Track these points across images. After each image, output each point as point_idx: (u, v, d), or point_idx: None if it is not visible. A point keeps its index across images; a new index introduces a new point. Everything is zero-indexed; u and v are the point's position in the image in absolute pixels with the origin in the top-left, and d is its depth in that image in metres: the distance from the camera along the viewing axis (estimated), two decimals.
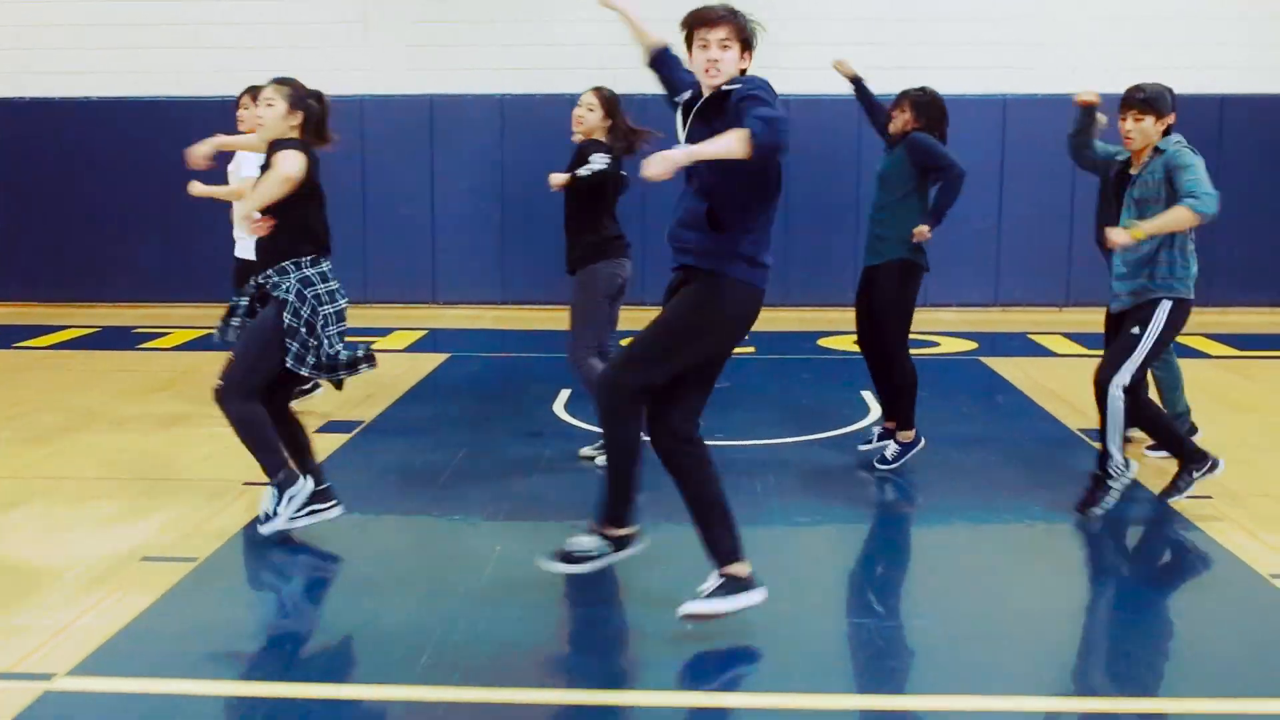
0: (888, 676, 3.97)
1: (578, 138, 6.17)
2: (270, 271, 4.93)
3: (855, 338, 6.42)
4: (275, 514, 4.95)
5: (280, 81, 5.07)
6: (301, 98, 5.02)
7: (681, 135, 4.14)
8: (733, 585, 4.09)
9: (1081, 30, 12.50)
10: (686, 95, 4.24)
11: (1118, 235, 5.15)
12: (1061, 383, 8.55)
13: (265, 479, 5.01)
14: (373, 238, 12.73)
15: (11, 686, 3.72)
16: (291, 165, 4.83)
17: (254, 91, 6.50)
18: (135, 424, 7.29)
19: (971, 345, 10.49)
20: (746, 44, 4.03)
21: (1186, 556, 5.19)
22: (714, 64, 3.96)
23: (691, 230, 4.04)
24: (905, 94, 6.22)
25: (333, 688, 3.83)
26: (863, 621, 4.37)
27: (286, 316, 4.86)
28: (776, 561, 4.71)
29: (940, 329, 11.17)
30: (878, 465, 6.25)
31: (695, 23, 4.01)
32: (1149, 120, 5.31)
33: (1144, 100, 5.32)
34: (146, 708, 3.67)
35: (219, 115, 12.47)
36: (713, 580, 4.10)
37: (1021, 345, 10.62)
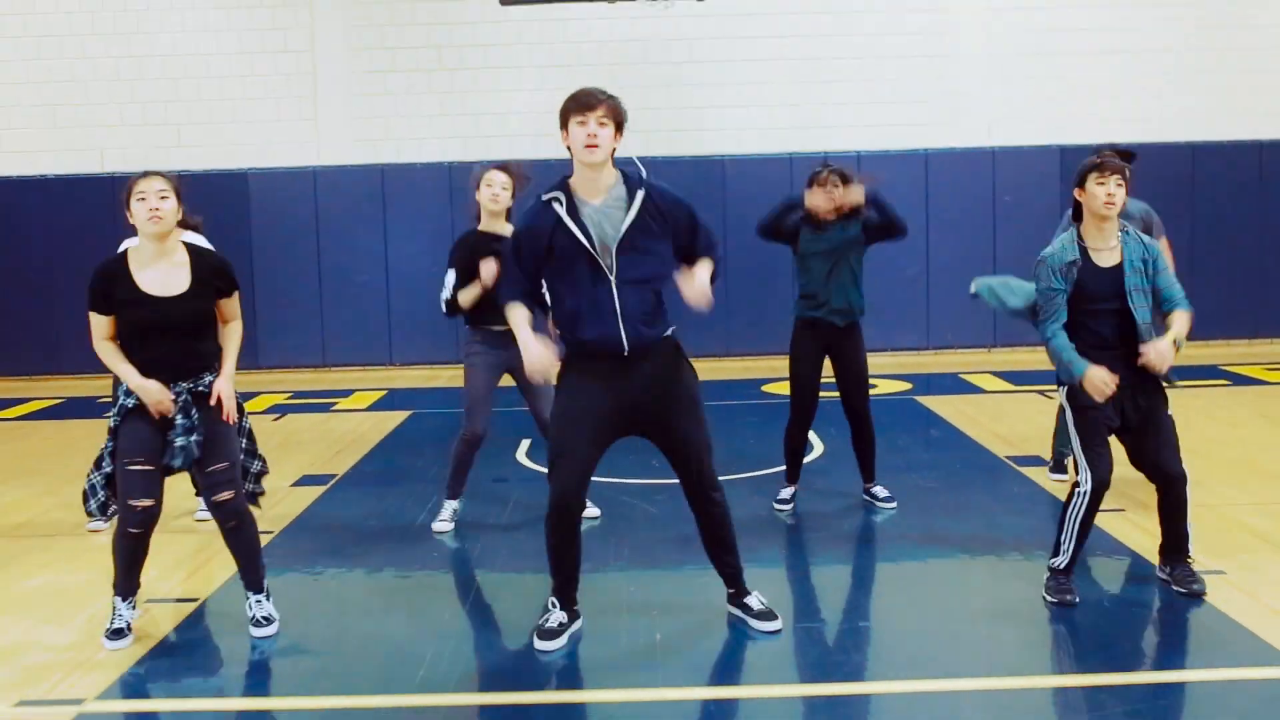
0: (834, 668, 4.46)
1: (496, 211, 6.33)
2: (206, 375, 4.73)
3: (822, 395, 6.52)
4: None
5: (159, 173, 4.82)
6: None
7: (598, 235, 4.39)
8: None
9: (998, 89, 13.32)
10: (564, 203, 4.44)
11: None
12: (990, 416, 9.15)
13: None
14: (329, 303, 13.15)
15: (45, 713, 4.09)
16: None
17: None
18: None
19: (906, 386, 11.10)
20: (620, 125, 4.44)
21: (1095, 556, 5.72)
22: (594, 137, 4.35)
23: (650, 317, 4.45)
24: (838, 170, 6.29)
25: (346, 700, 4.25)
26: (810, 625, 4.87)
27: (242, 420, 4.94)
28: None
29: (877, 372, 11.76)
30: (884, 505, 6.60)
31: (574, 106, 4.40)
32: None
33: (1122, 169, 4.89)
34: None
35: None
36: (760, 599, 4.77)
37: (953, 384, 11.24)
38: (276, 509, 6.69)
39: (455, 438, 6.34)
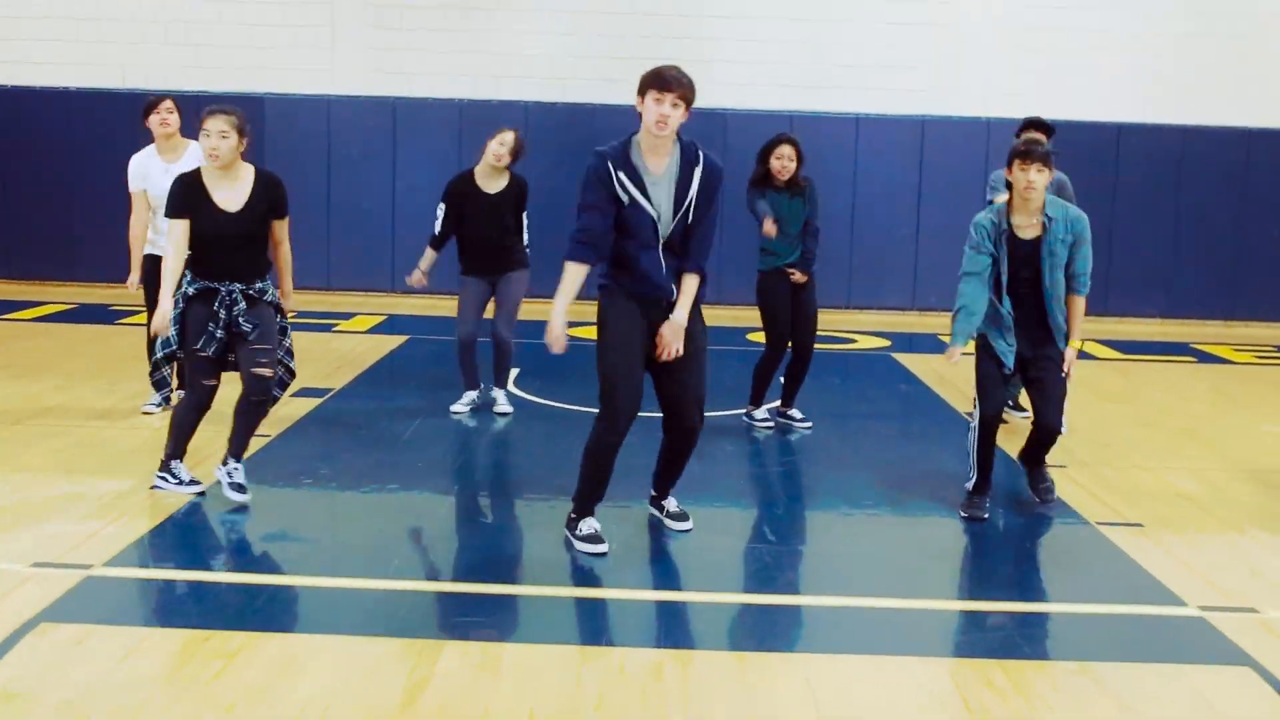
0: (771, 582, 4.94)
1: (497, 168, 7.40)
2: (259, 282, 5.60)
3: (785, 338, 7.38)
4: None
5: (226, 111, 5.43)
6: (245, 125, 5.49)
7: (656, 202, 4.87)
8: None
9: (995, 59, 13.62)
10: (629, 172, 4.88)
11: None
12: (963, 377, 9.57)
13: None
14: (336, 229, 13.56)
15: (57, 574, 4.57)
16: None
17: (158, 103, 7.12)
18: (126, 383, 8.09)
19: (886, 343, 11.53)
20: (689, 107, 4.80)
21: (1034, 508, 6.19)
22: (665, 118, 4.74)
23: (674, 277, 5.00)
24: (793, 141, 7.26)
25: (326, 579, 4.74)
26: (758, 545, 5.37)
27: (282, 319, 5.72)
28: (709, 498, 5.69)
29: (858, 328, 12.21)
30: (800, 425, 7.55)
31: (655, 83, 4.77)
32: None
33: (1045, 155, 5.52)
34: (170, 591, 4.56)
35: (190, 109, 13.27)
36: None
37: (933, 344, 11.65)
38: (274, 414, 7.13)
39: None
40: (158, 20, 13.66)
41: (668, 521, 5.41)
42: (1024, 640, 4.34)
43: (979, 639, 4.45)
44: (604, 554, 5.01)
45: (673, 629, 4.42)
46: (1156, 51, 13.63)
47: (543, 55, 13.57)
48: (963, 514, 5.80)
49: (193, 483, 5.67)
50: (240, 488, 5.51)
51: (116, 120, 13.42)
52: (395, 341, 10.46)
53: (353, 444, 6.87)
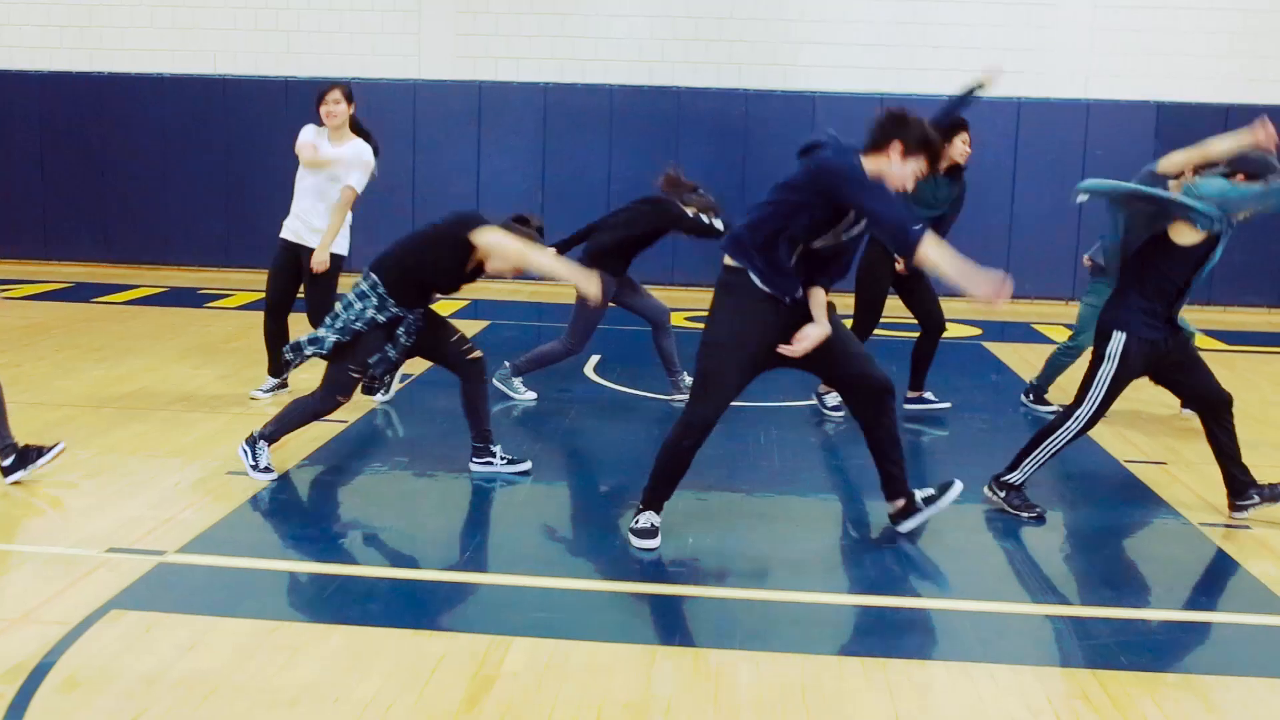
0: (853, 581, 4.75)
1: None
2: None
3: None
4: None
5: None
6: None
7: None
8: None
9: (1096, 41, 13.14)
10: None
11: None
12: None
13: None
14: (421, 213, 13.54)
15: (130, 560, 4.56)
16: None
17: (325, 93, 7.11)
18: (212, 367, 8.15)
19: (976, 331, 11.19)
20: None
21: (1136, 508, 5.90)
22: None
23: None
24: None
25: (396, 570, 4.67)
26: (838, 542, 5.18)
27: None
28: (791, 490, 5.51)
29: (952, 317, 11.85)
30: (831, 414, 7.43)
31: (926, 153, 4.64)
32: None
33: None
34: (240, 579, 4.52)
35: (280, 94, 13.42)
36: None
37: (1024, 333, 11.30)
38: (354, 400, 7.14)
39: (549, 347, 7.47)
40: (249, 6, 13.78)
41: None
42: (1121, 649, 4.09)
43: (1074, 647, 4.20)
44: (653, 550, 4.85)
45: (747, 629, 4.23)
46: (1269, 29, 13.04)
47: (630, 37, 13.41)
48: (1031, 514, 5.47)
49: (267, 470, 5.64)
50: (513, 460, 5.91)
51: (208, 105, 13.63)
52: (476, 327, 10.41)
53: (430, 431, 6.82)
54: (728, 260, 4.79)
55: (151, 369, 8.10)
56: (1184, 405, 7.41)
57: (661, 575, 4.71)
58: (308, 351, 5.65)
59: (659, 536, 4.90)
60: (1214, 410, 5.52)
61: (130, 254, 13.91)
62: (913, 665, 3.90)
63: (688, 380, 7.31)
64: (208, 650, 3.80)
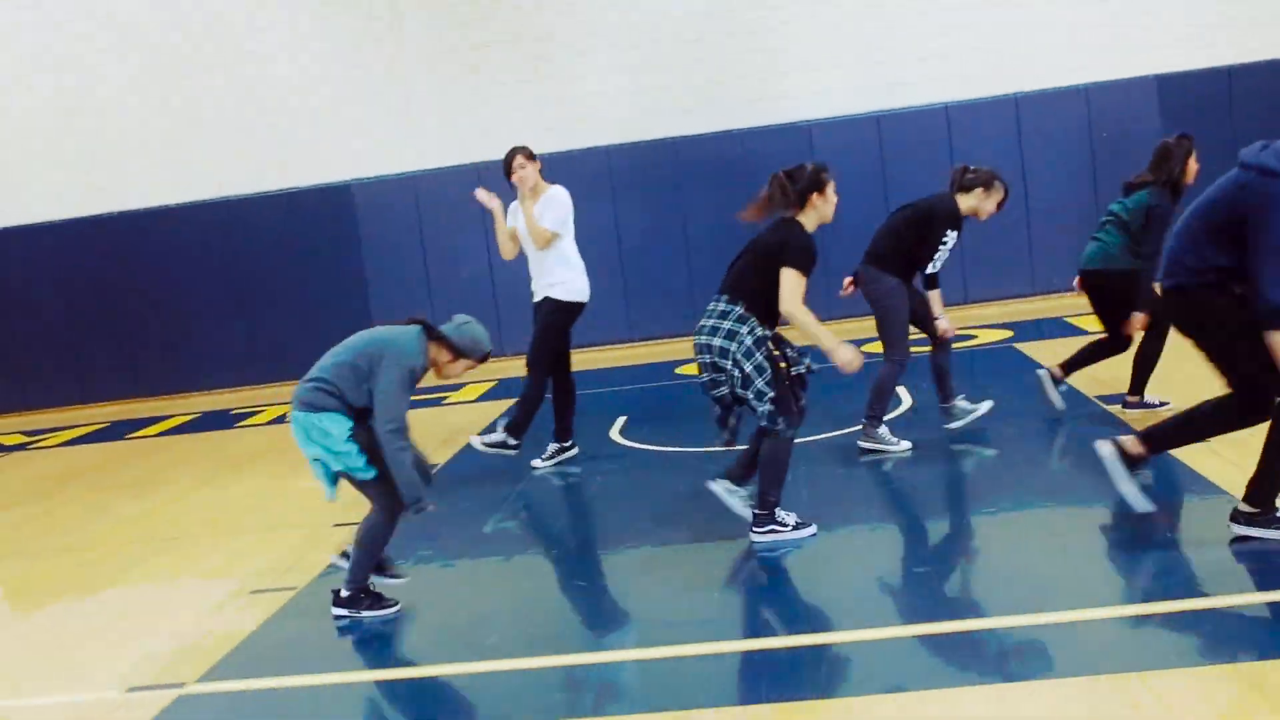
0: (936, 610, 4.55)
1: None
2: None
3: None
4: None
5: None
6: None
7: None
8: None
9: (1085, 19, 12.96)
10: None
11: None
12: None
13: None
14: (438, 298, 13.57)
15: (150, 696, 4.47)
16: None
17: (511, 159, 7.41)
18: (239, 485, 8.12)
19: (1008, 334, 10.94)
20: None
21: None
22: None
23: None
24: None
25: (416, 669, 4.54)
26: (908, 569, 4.99)
27: None
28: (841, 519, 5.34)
29: (979, 323, 11.64)
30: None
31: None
32: None
33: None
34: (266, 701, 4.41)
35: (284, 207, 13.56)
36: None
37: (1057, 328, 11.03)
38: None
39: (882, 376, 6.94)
40: (247, 129, 13.96)
41: None
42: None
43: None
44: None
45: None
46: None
47: (613, 95, 13.43)
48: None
49: (800, 525, 5.44)
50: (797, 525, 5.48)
51: (215, 229, 13.78)
52: (503, 406, 10.30)
53: (453, 522, 6.69)
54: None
55: (178, 498, 8.08)
56: None
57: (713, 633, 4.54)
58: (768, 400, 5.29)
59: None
60: None
61: (159, 386, 14.03)
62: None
63: (961, 406, 7.18)
64: None
